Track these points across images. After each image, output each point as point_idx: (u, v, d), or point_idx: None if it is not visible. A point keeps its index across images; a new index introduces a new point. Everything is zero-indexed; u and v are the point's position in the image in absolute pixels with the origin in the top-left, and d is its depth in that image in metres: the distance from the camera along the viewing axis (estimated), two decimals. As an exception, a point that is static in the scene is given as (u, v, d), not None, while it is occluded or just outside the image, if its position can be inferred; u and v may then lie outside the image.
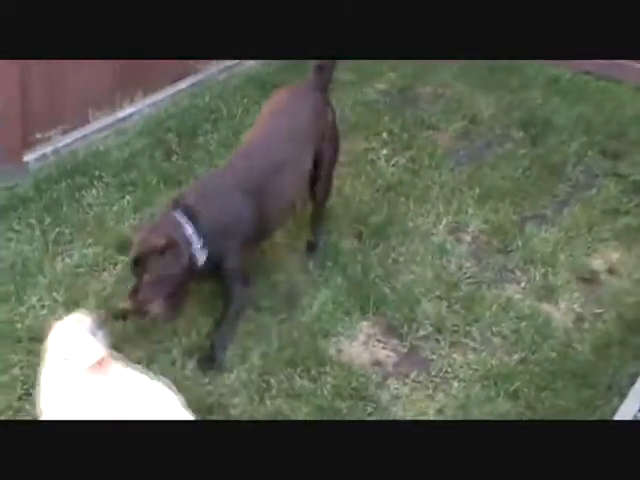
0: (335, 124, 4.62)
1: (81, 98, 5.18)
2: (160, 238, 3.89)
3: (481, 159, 5.46)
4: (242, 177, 4.19)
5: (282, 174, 4.26)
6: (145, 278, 3.90)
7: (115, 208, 4.76)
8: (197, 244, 3.97)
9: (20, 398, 3.66)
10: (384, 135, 5.59)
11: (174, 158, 5.20)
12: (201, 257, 3.99)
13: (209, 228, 4.00)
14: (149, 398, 3.17)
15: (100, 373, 3.22)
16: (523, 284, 4.53)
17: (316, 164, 4.47)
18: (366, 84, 6.09)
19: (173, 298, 3.99)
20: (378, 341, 4.20)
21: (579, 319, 4.38)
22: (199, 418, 3.67)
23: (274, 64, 6.16)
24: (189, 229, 3.96)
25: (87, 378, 3.22)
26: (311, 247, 4.63)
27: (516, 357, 4.10)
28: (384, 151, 5.46)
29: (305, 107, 4.47)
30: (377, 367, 4.06)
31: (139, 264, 3.92)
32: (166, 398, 3.20)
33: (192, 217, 3.99)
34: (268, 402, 3.80)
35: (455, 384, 3.98)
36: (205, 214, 4.02)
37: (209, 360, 3.96)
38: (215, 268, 4.10)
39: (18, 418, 3.55)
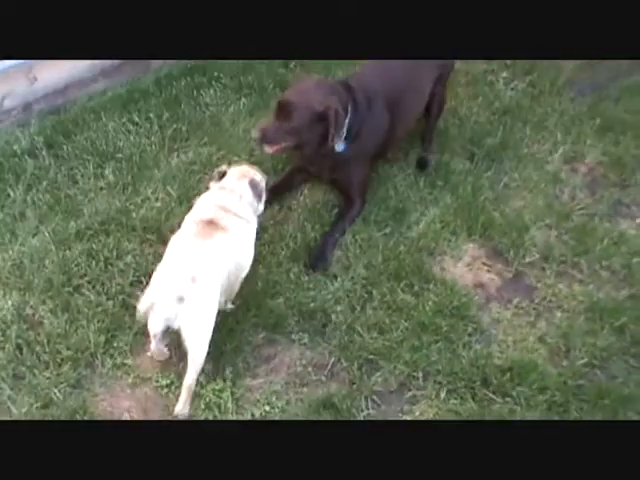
0: None
1: None
2: (324, 104, 3.98)
3: (605, 90, 5.25)
4: (386, 87, 4.27)
5: (412, 92, 4.38)
6: (285, 125, 3.99)
7: (231, 109, 4.79)
8: (345, 132, 4.09)
9: (132, 284, 3.80)
10: (505, 57, 5.45)
11: (291, 65, 5.18)
12: (339, 146, 4.10)
13: (359, 126, 4.14)
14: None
15: (203, 233, 3.42)
16: (638, 220, 4.42)
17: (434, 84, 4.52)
18: (491, 4, 5.92)
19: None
20: (483, 264, 4.17)
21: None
22: (300, 321, 3.77)
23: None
24: (348, 115, 4.08)
25: (192, 229, 3.46)
26: (422, 164, 4.59)
27: (624, 292, 4.03)
28: (504, 74, 5.32)
29: None
30: (480, 289, 4.05)
31: (286, 110, 4.00)
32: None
33: (354, 107, 4.12)
34: (370, 312, 3.85)
35: (558, 314, 3.94)
36: (362, 111, 4.15)
37: (319, 259, 4.02)
38: (338, 176, 4.26)
39: (130, 302, 3.70)
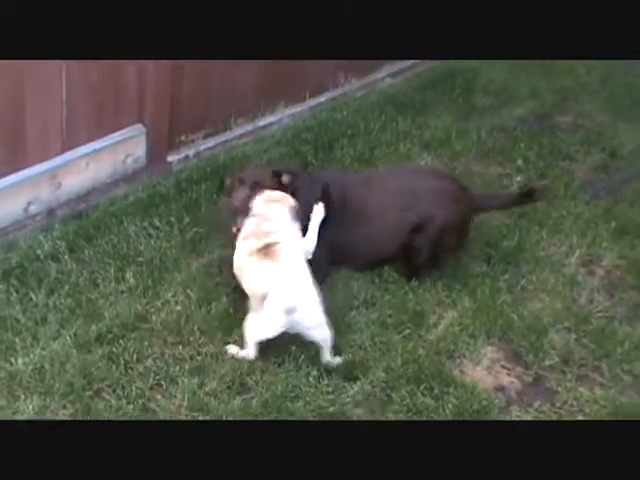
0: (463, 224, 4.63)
1: (225, 105, 5.34)
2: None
3: (619, 193, 5.35)
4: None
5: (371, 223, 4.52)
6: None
7: (250, 212, 4.85)
8: None
9: (152, 388, 3.79)
10: (519, 162, 5.55)
11: (309, 169, 5.28)
12: None
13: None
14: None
15: (267, 256, 3.91)
16: (659, 324, 4.42)
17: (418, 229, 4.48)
18: (505, 110, 6.06)
19: None
20: (502, 367, 4.17)
21: None
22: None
23: (414, 83, 6.22)
24: None
25: (255, 255, 3.97)
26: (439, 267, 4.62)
27: (647, 397, 4.00)
28: (518, 178, 5.42)
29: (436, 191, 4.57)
30: (500, 392, 4.03)
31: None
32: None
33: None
34: (389, 415, 3.82)
35: (580, 418, 3.90)
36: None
37: None
38: None
39: (150, 406, 3.70)
